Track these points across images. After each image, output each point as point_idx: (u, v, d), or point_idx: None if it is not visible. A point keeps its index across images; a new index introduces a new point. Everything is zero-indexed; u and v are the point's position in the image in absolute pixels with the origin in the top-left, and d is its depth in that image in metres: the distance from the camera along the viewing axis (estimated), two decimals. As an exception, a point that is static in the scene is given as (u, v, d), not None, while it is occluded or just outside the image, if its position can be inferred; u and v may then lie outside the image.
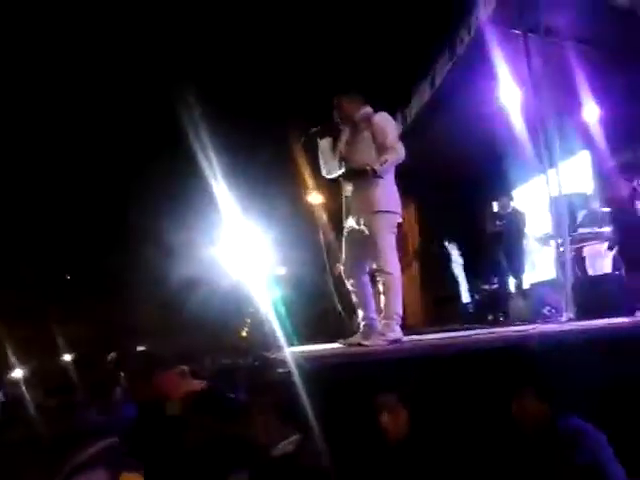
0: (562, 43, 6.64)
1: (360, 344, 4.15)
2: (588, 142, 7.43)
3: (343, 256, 4.52)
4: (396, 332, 4.20)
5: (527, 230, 7.47)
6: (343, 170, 4.48)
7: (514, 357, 3.30)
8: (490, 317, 6.85)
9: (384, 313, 4.27)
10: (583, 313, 5.67)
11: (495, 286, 7.41)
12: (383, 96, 5.40)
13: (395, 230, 4.39)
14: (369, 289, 4.46)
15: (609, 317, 5.06)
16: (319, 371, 3.31)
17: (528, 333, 4.18)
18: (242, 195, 5.96)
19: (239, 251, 5.86)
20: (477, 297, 7.68)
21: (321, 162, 4.56)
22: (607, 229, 6.76)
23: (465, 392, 3.26)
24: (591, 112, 7.38)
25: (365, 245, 4.36)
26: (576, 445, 2.70)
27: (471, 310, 7.75)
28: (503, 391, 3.06)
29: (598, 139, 7.24)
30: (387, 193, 4.35)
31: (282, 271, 7.52)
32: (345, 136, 4.53)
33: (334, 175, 4.55)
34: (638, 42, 6.75)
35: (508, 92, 6.79)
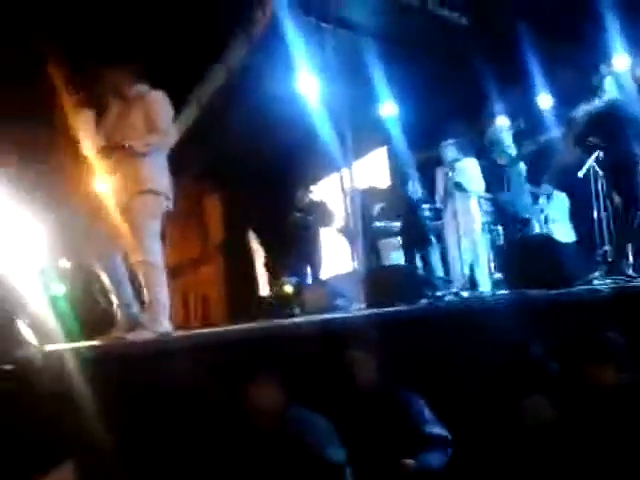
0: (357, 37, 6.77)
1: (121, 338, 3.77)
2: (386, 138, 7.67)
3: (97, 240, 4.09)
4: (163, 325, 3.87)
5: (325, 222, 7.53)
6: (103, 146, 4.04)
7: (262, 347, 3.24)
8: (287, 310, 6.78)
9: (148, 305, 3.91)
10: (374, 302, 5.80)
11: (293, 278, 7.39)
12: (170, 75, 5.03)
13: (160, 215, 4.02)
14: (125, 277, 4.08)
15: (397, 305, 5.16)
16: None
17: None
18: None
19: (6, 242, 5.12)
20: (277, 290, 7.60)
21: (82, 135, 4.09)
22: (401, 223, 7.03)
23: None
24: (388, 108, 7.61)
25: (122, 229, 3.96)
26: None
27: (271, 303, 7.64)
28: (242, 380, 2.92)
29: (396, 135, 7.49)
30: (154, 173, 3.96)
31: (67, 265, 6.82)
32: (113, 111, 4.11)
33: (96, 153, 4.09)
34: (431, 41, 7.09)
35: (306, 81, 6.72)
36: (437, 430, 3.01)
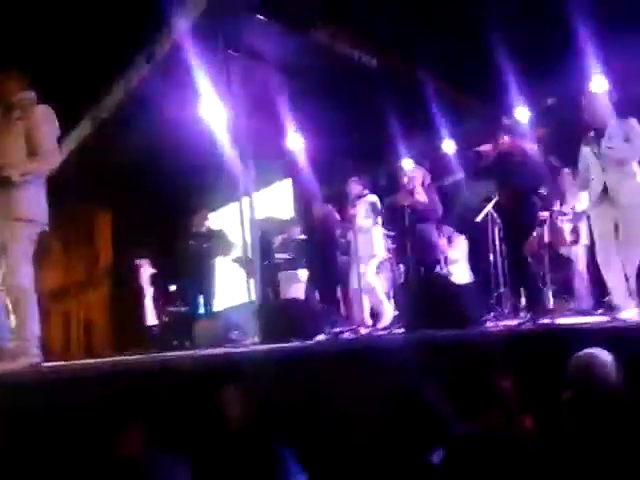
0: (266, 68, 6.70)
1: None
2: (290, 170, 7.59)
3: None
4: (32, 356, 3.59)
5: (222, 251, 7.25)
6: None
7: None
8: (175, 342, 6.41)
9: (17, 334, 3.61)
10: (269, 336, 5.58)
11: (183, 308, 7.05)
12: (63, 89, 4.72)
13: (33, 241, 3.76)
14: None
15: (292, 340, 5.06)
16: None
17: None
18: None
19: None
20: (164, 319, 7.23)
21: None
22: (303, 256, 6.88)
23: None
24: (295, 141, 7.54)
25: None
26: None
27: (156, 334, 7.25)
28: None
29: (301, 168, 7.42)
30: (28, 200, 3.70)
31: None
32: None
33: None
34: (340, 80, 7.13)
35: (210, 108, 6.58)
36: None
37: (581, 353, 2.55)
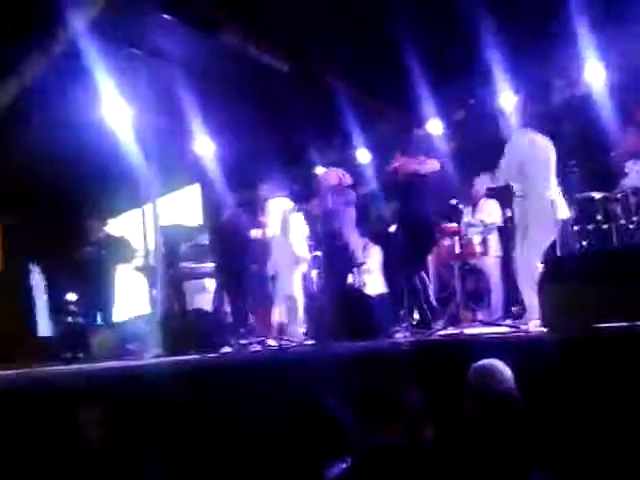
0: (174, 70, 6.42)
1: None
2: (200, 175, 7.29)
3: None
4: None
5: (121, 259, 6.84)
6: None
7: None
8: (68, 354, 5.97)
9: None
10: (171, 349, 5.32)
11: (78, 319, 6.59)
12: None
13: None
14: None
15: (198, 352, 4.93)
16: None
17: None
18: None
19: None
20: (58, 330, 6.75)
21: None
22: (210, 264, 6.60)
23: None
24: (204, 145, 7.25)
25: None
26: None
27: (49, 345, 6.73)
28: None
29: (211, 173, 7.14)
30: None
31: None
32: None
33: None
34: (251, 83, 6.95)
35: (113, 109, 6.24)
36: None
37: (479, 363, 2.60)
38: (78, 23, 5.63)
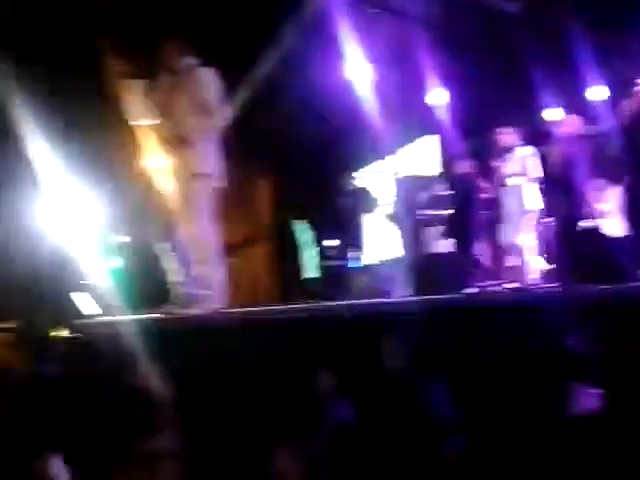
0: (406, 25, 6.74)
1: (174, 312, 3.96)
2: (435, 126, 7.61)
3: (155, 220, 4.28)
4: (216, 302, 4.05)
5: (367, 209, 7.55)
6: (157, 126, 4.22)
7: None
8: (331, 294, 6.86)
9: (201, 282, 4.07)
10: (420, 290, 5.85)
11: (338, 262, 7.46)
12: (221, 54, 5.08)
13: (210, 196, 4.16)
14: (185, 257, 4.17)
15: (442, 293, 5.23)
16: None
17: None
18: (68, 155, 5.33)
19: (65, 218, 5.32)
20: (323, 274, 7.69)
21: (129, 105, 4.27)
22: (448, 212, 7.00)
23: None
24: (438, 96, 7.55)
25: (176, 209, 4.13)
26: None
27: (316, 287, 7.72)
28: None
29: (446, 123, 7.43)
30: (204, 155, 4.12)
31: (125, 239, 7.01)
32: (162, 84, 4.23)
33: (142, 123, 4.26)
34: (479, 29, 7.02)
35: (357, 67, 6.74)
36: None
37: None
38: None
